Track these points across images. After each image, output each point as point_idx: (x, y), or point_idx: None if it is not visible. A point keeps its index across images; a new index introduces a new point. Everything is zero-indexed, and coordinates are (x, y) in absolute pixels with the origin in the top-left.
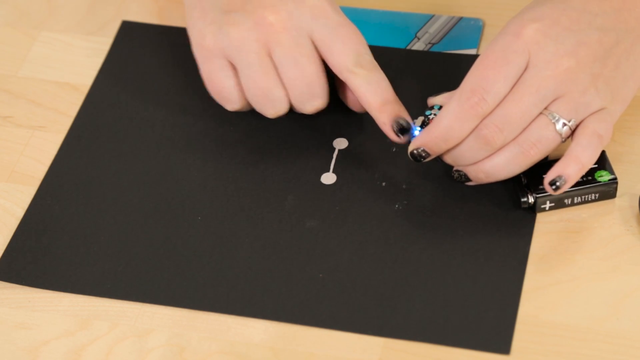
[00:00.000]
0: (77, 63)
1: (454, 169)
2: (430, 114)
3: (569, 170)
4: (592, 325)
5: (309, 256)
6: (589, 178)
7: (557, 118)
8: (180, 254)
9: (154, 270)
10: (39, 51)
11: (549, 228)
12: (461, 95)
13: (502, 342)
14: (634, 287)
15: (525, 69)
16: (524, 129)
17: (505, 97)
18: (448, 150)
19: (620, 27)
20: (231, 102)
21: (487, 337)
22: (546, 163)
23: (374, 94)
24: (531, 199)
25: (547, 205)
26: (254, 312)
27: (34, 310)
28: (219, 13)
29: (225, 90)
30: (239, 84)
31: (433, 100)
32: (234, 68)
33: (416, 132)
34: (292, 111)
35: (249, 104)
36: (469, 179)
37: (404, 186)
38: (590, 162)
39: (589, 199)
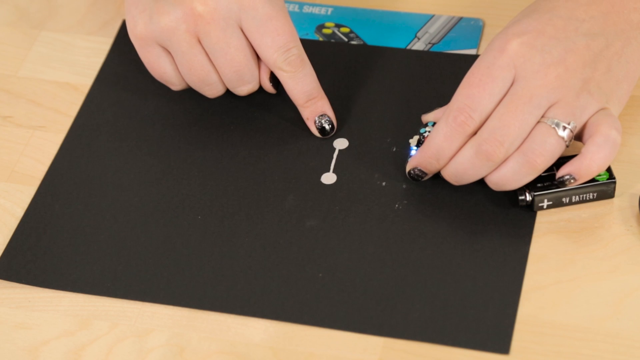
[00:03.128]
0: (77, 63)
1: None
2: (425, 132)
3: (581, 169)
4: (592, 325)
5: (308, 256)
6: None
7: (556, 122)
8: (180, 253)
9: (154, 270)
10: (39, 51)
11: (549, 228)
12: (449, 114)
13: (502, 342)
14: (634, 287)
15: (514, 83)
16: (525, 140)
17: (494, 110)
18: (449, 171)
19: (609, 30)
20: (174, 84)
21: (486, 337)
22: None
23: (299, 92)
24: (529, 197)
25: (545, 203)
26: (254, 311)
27: (34, 310)
28: (151, 0)
29: (166, 75)
30: (177, 68)
31: (426, 118)
32: (170, 53)
33: (413, 152)
34: (294, 110)
35: None
36: None
37: (404, 186)
38: (605, 161)
39: (587, 199)
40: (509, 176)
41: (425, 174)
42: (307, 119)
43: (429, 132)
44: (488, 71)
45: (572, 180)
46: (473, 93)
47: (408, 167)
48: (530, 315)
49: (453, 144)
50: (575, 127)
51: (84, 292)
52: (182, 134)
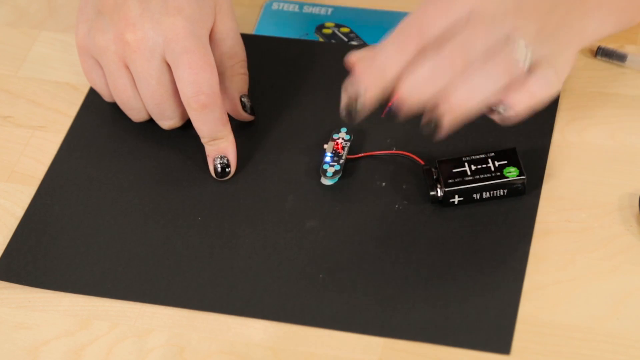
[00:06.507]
0: (77, 63)
1: (425, 119)
2: (339, 137)
3: (516, 96)
4: (592, 325)
5: (309, 256)
6: (497, 174)
7: (522, 43)
8: (180, 254)
9: (154, 270)
10: (39, 51)
11: (549, 228)
12: (400, 27)
13: (502, 342)
14: (634, 287)
15: (470, 17)
16: (489, 52)
17: (448, 32)
18: (407, 84)
19: None
20: (104, 96)
21: (487, 337)
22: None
23: (204, 132)
24: (440, 193)
25: (456, 199)
26: (254, 312)
27: (34, 310)
28: (94, 11)
29: (96, 87)
30: (107, 83)
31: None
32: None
33: (327, 159)
34: (294, 110)
35: None
36: (438, 127)
37: (404, 186)
38: (541, 92)
39: (498, 195)
40: (476, 87)
41: (358, 109)
42: (208, 156)
43: (342, 139)
44: (448, 1)
45: (506, 111)
46: (428, 10)
47: (347, 92)
48: (530, 315)
49: (403, 56)
50: (532, 58)
51: (84, 294)
52: (182, 134)
